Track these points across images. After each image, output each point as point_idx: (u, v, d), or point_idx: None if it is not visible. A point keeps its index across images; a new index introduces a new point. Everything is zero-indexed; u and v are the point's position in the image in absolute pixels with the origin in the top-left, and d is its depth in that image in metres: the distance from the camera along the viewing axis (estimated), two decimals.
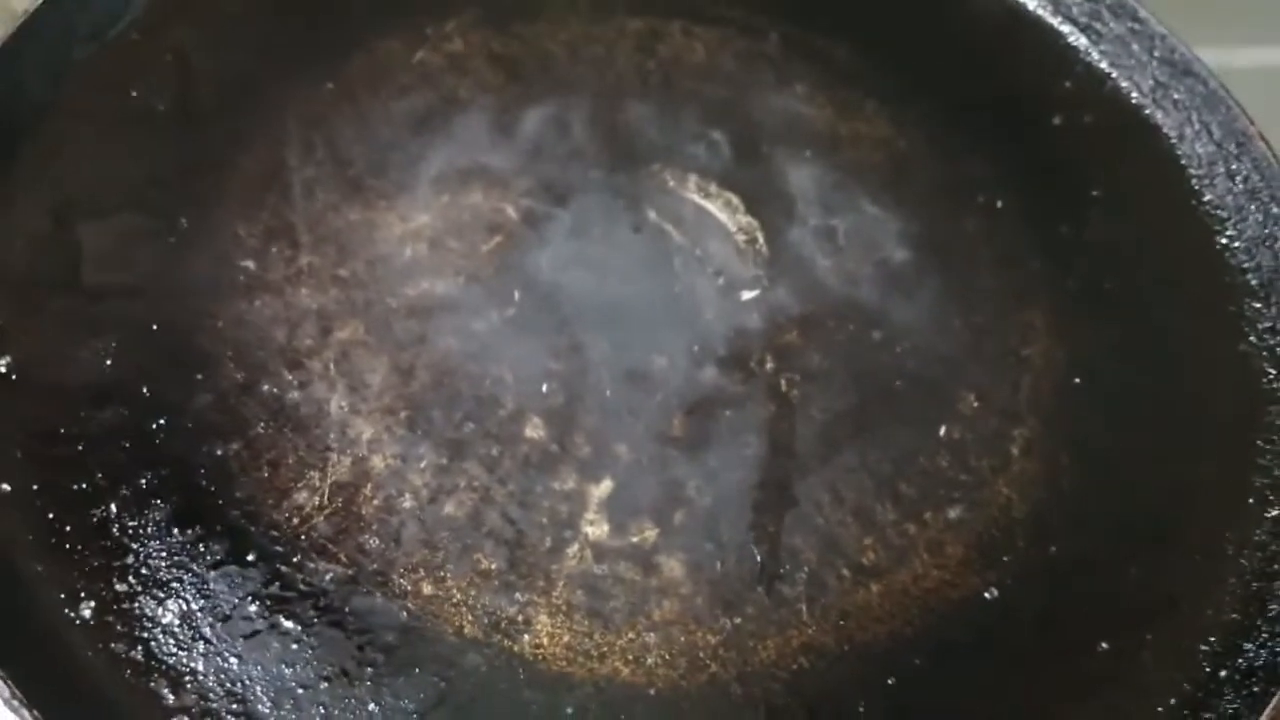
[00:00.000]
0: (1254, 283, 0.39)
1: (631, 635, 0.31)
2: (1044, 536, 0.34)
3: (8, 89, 0.35)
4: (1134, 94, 0.45)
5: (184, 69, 0.38)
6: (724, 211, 0.40)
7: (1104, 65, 0.46)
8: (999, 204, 0.42)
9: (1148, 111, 0.44)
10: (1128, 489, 0.36)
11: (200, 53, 0.38)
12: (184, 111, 0.37)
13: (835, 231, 0.40)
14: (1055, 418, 0.37)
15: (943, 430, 0.36)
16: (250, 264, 0.35)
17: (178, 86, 0.38)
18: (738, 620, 0.31)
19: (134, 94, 0.37)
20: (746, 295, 0.38)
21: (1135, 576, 0.33)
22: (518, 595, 0.31)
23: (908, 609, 0.32)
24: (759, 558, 0.33)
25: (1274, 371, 0.38)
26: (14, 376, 0.32)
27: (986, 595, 0.33)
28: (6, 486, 0.30)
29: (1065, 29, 0.47)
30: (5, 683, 0.26)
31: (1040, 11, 0.47)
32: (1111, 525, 0.35)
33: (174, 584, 0.30)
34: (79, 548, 0.30)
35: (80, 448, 0.31)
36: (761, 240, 0.39)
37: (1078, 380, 0.38)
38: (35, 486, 0.30)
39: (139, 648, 0.29)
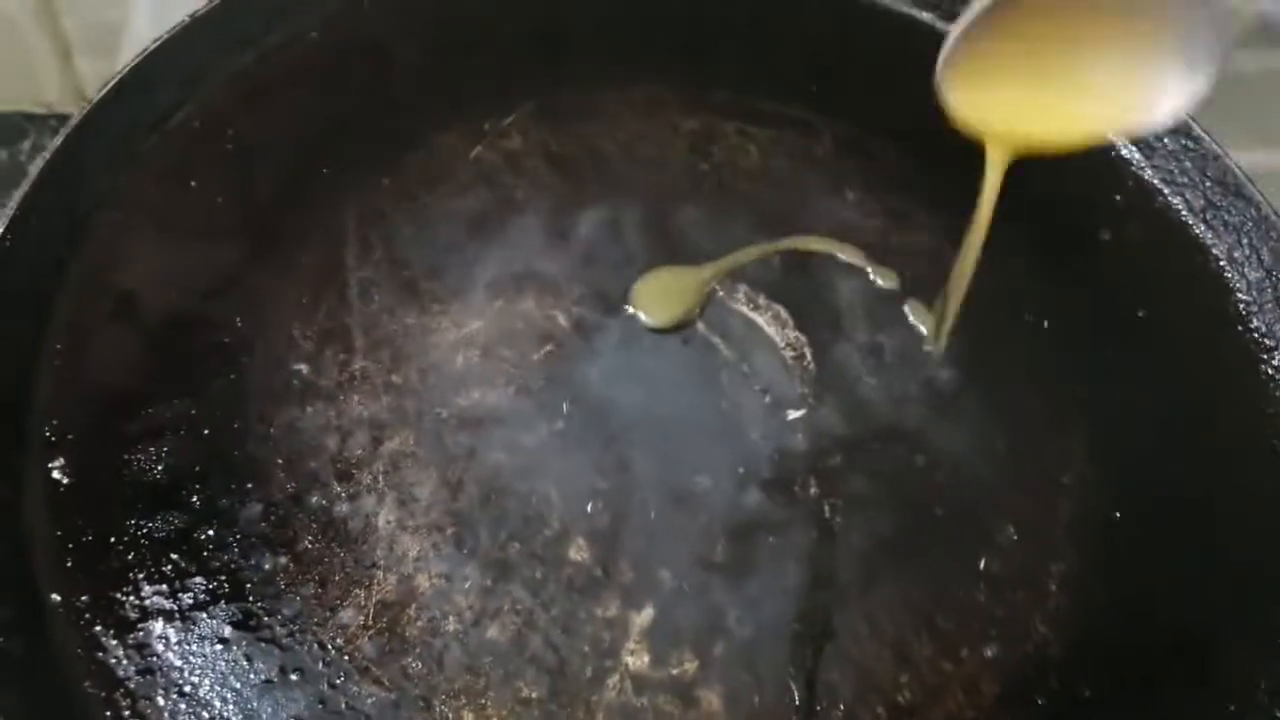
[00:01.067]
0: None
1: None
2: (1079, 678, 0.35)
3: (69, 181, 0.35)
4: (1184, 212, 0.45)
5: (244, 160, 0.38)
6: (772, 325, 0.40)
7: (1155, 181, 0.46)
8: (1045, 324, 0.42)
9: (1197, 231, 0.44)
10: (1164, 630, 0.36)
11: (260, 143, 0.38)
12: (243, 204, 0.37)
13: (882, 349, 0.40)
14: (1093, 551, 0.37)
15: (982, 562, 0.36)
16: (304, 368, 0.35)
17: (237, 178, 0.38)
18: None
19: (193, 184, 0.37)
20: (792, 414, 0.38)
21: None
22: None
23: None
24: (796, 692, 0.33)
25: None
26: (65, 481, 0.32)
27: None
28: (57, 596, 0.31)
29: (1117, 141, 0.47)
30: None
31: None
32: (1147, 668, 0.35)
33: (216, 702, 0.30)
34: (124, 664, 0.30)
35: (130, 557, 0.31)
36: (809, 356, 0.39)
37: (1117, 514, 0.38)
38: (84, 598, 0.31)
39: None
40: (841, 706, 0.33)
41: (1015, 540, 0.37)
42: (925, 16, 0.48)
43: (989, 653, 0.35)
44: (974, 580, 0.36)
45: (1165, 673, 0.35)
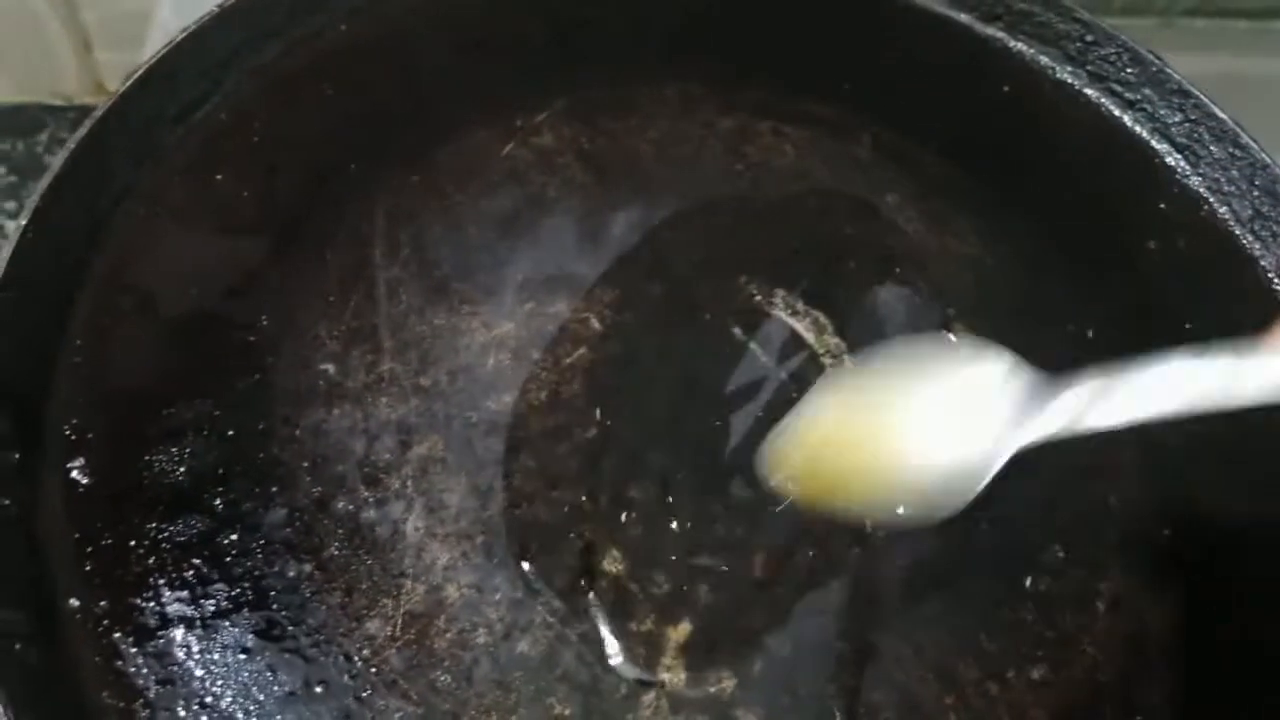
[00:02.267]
0: None
1: None
2: (1131, 705, 0.33)
3: (91, 174, 0.34)
4: (1231, 222, 0.44)
5: (270, 155, 0.37)
6: (811, 331, 0.38)
7: (1201, 189, 0.44)
8: (1089, 334, 0.41)
9: (1245, 242, 0.43)
10: (1221, 651, 0.34)
11: (287, 137, 0.37)
12: (268, 200, 0.36)
13: None
14: (1144, 571, 0.36)
15: (1028, 580, 0.35)
16: (331, 368, 0.34)
17: (263, 173, 0.37)
18: None
19: (219, 178, 0.36)
20: None
21: None
22: None
23: None
24: (838, 714, 0.32)
25: None
26: (85, 482, 0.31)
27: None
28: (75, 602, 0.29)
29: (1162, 148, 0.45)
30: None
31: (1138, 129, 0.45)
32: (1204, 693, 0.34)
33: (239, 714, 0.29)
34: (144, 673, 0.29)
35: (150, 562, 0.30)
36: (849, 365, 0.38)
37: (1167, 532, 0.37)
38: (103, 604, 0.30)
39: None
40: None
41: (1062, 559, 0.36)
42: (963, 18, 0.47)
43: (1036, 675, 0.33)
44: (1020, 600, 0.35)
45: (1223, 697, 0.34)
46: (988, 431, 0.30)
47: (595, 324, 0.37)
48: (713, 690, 0.31)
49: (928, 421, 0.31)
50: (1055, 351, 0.40)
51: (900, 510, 0.31)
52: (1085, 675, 0.33)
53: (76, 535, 0.30)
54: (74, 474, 0.31)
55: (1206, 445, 0.38)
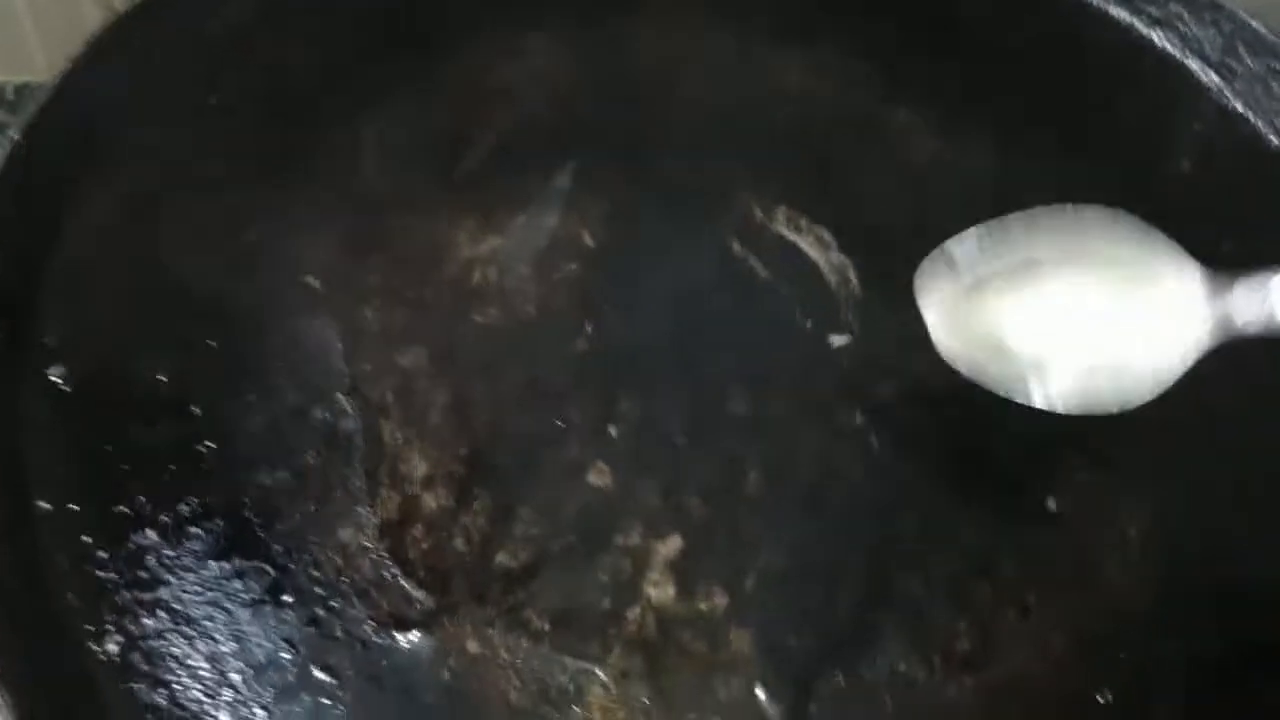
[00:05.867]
0: None
1: (694, 716, 0.28)
2: (1166, 633, 0.30)
3: (90, 89, 0.34)
4: (1273, 138, 0.41)
5: (265, 70, 0.37)
6: (815, 248, 0.37)
7: (1239, 106, 0.42)
8: None
9: None
10: (1260, 583, 0.32)
11: (282, 54, 0.37)
12: (262, 114, 0.36)
13: None
14: (1178, 494, 0.33)
15: (1050, 502, 0.33)
16: (315, 280, 0.33)
17: (258, 88, 0.36)
18: (813, 708, 0.28)
19: (215, 93, 0.36)
20: (837, 341, 0.35)
21: (1271, 694, 0.29)
22: (570, 661, 0.28)
23: (1006, 710, 0.28)
24: (838, 637, 0.30)
25: None
26: (66, 388, 0.31)
27: (1099, 699, 0.29)
28: (46, 505, 0.29)
29: (1194, 65, 0.43)
30: None
31: (1168, 46, 0.43)
32: (1240, 625, 0.31)
33: (206, 622, 0.28)
34: (113, 577, 0.28)
35: (125, 468, 0.30)
36: (855, 281, 0.36)
37: (1204, 447, 0.34)
38: (75, 507, 0.29)
39: (162, 690, 0.27)
40: (891, 654, 0.29)
41: (1088, 480, 0.33)
42: None
43: (1058, 603, 0.31)
44: (1040, 522, 0.32)
45: (1261, 631, 0.31)
46: (1180, 329, 0.29)
47: (587, 239, 0.35)
48: (703, 607, 0.29)
49: (1119, 314, 0.29)
50: None
51: (1061, 398, 0.29)
52: (1114, 604, 0.31)
53: (53, 439, 0.30)
54: (53, 378, 0.31)
55: (1247, 361, 0.36)
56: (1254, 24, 0.41)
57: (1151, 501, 0.32)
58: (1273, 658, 0.30)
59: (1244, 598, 0.31)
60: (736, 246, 0.36)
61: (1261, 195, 0.40)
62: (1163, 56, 0.43)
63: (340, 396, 0.32)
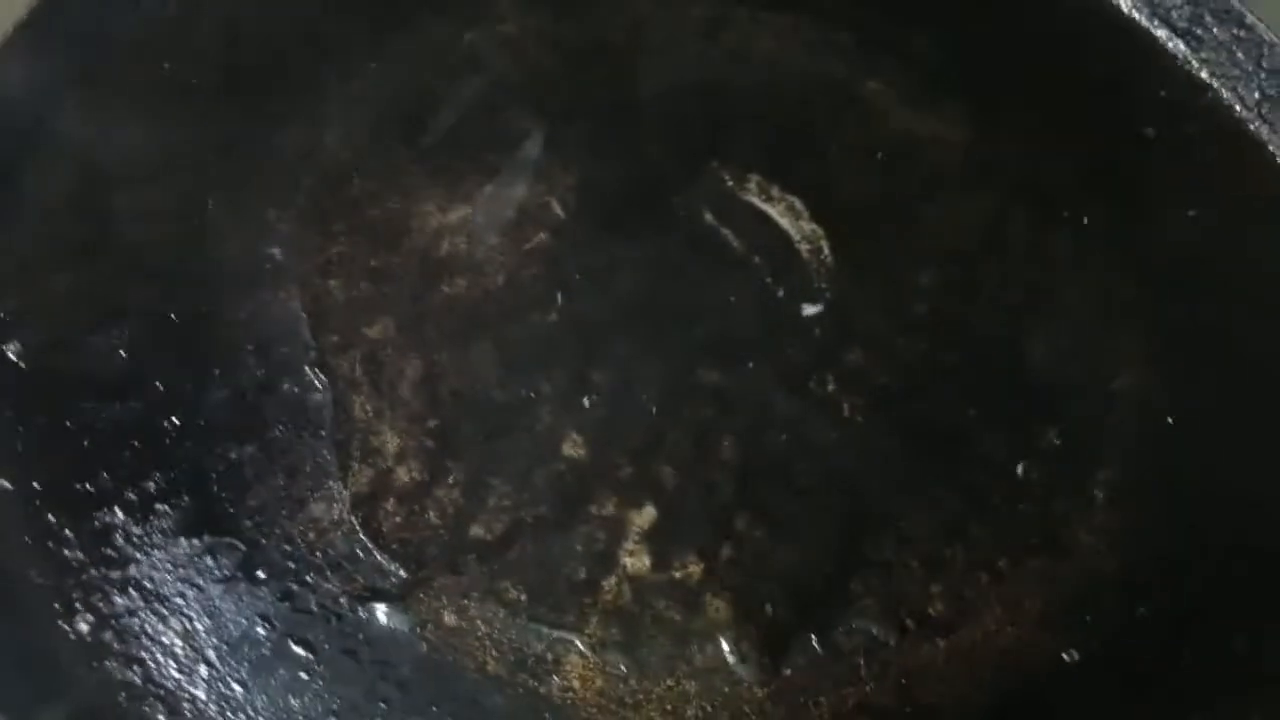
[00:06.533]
0: None
1: (670, 682, 0.28)
2: (1133, 594, 0.31)
3: (36, 59, 0.33)
4: (1238, 107, 0.41)
5: (221, 43, 0.35)
6: (786, 217, 0.37)
7: (1204, 74, 0.42)
8: (1085, 220, 0.38)
9: (1253, 127, 0.40)
10: (1229, 548, 0.32)
11: (239, 26, 0.36)
12: (219, 87, 0.35)
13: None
14: (1146, 460, 0.33)
15: (1020, 468, 0.33)
16: (278, 252, 0.33)
17: (214, 61, 0.35)
18: (787, 672, 0.28)
19: (168, 67, 0.35)
20: (808, 309, 0.35)
21: (1238, 646, 0.29)
22: (547, 631, 0.28)
23: (977, 670, 0.29)
24: (812, 602, 0.30)
25: None
26: (22, 364, 0.30)
27: (1066, 658, 0.29)
28: (7, 484, 0.28)
29: (1161, 33, 0.43)
30: None
31: (1135, 14, 0.43)
32: (1212, 587, 0.31)
33: (178, 599, 0.28)
34: (79, 555, 0.28)
35: (87, 444, 0.29)
36: (826, 250, 0.36)
37: (1171, 420, 0.34)
38: (37, 485, 0.28)
39: (136, 668, 0.26)
40: (865, 618, 0.30)
41: (1058, 446, 0.33)
42: None
43: (1030, 564, 0.31)
44: (1012, 487, 0.33)
45: (1233, 591, 0.31)
46: None
47: (556, 208, 0.35)
48: (678, 575, 0.30)
49: None
50: (1051, 238, 0.38)
51: None
52: (1083, 565, 0.31)
53: (11, 415, 0.29)
54: (10, 354, 0.30)
55: (1213, 331, 0.36)
56: None
57: (1119, 467, 0.33)
58: (1240, 614, 0.31)
59: (1209, 558, 0.32)
60: (708, 215, 0.36)
61: (1227, 162, 0.40)
62: (1130, 25, 0.43)
63: (308, 369, 0.31)
